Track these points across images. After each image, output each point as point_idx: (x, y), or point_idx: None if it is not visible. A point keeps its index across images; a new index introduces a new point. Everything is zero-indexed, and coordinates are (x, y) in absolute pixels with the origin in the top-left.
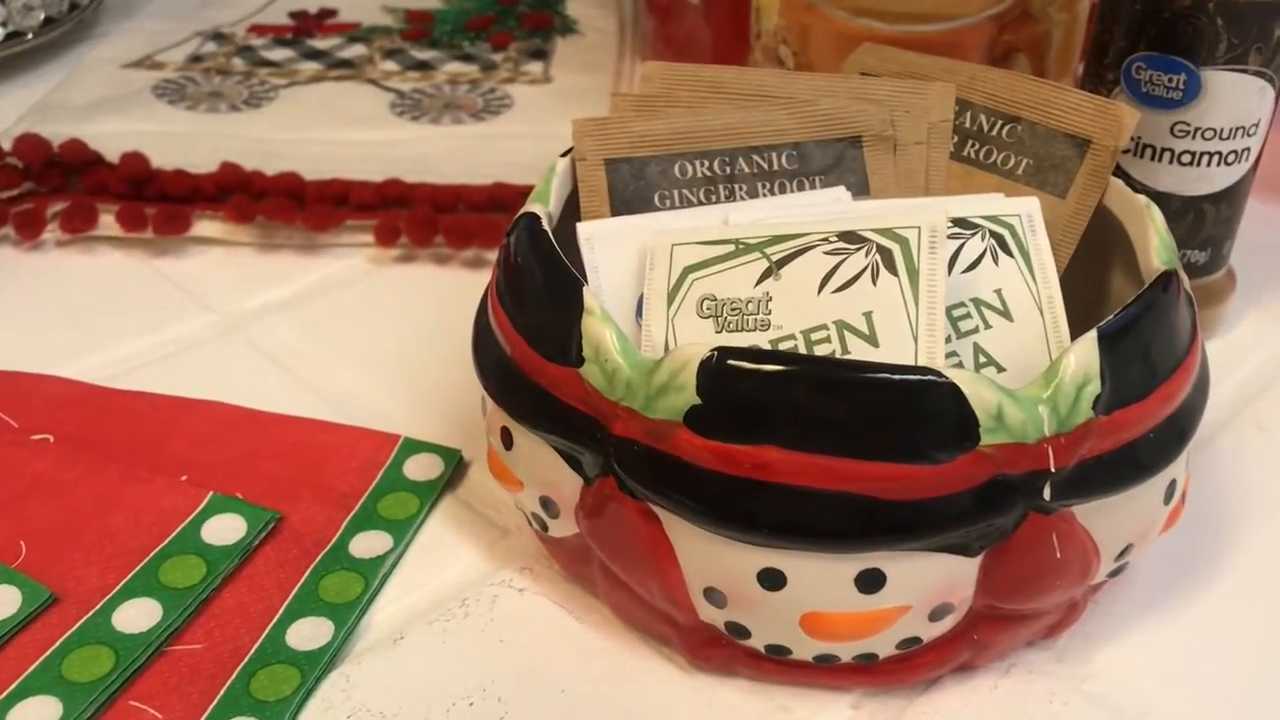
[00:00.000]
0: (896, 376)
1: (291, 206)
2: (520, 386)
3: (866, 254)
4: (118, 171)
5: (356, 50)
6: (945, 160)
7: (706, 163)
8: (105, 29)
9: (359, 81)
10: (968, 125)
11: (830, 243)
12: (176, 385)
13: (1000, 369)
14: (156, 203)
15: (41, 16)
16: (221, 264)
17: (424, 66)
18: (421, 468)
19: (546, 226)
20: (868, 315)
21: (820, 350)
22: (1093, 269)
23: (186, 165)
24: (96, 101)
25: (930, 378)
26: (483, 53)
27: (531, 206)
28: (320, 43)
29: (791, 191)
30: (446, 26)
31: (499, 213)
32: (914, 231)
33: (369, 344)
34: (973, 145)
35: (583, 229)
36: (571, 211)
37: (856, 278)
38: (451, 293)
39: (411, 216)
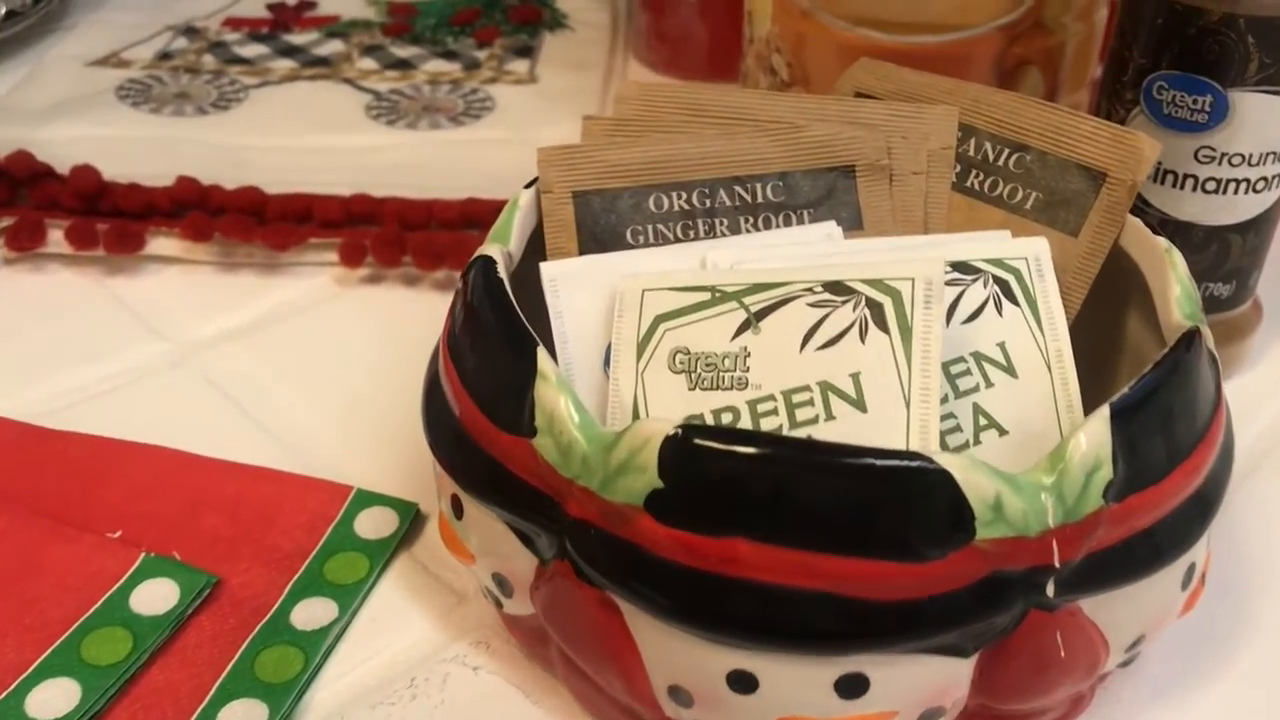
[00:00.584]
0: (881, 462)
1: (251, 224)
2: (469, 453)
3: (854, 307)
4: (68, 185)
5: (334, 47)
6: (946, 192)
7: (684, 195)
8: (73, 20)
9: (334, 81)
10: (971, 153)
11: (814, 294)
12: (121, 423)
13: (1002, 432)
14: (109, 218)
15: (2, 10)
16: (177, 284)
17: (403, 65)
18: (374, 523)
19: (503, 271)
20: (855, 377)
21: (802, 414)
22: (1105, 311)
23: (146, 174)
24: (56, 104)
25: (919, 464)
26: (466, 49)
27: (488, 248)
28: (297, 37)
29: (777, 227)
30: (430, 20)
31: (472, 230)
32: (907, 284)
33: (328, 377)
34: (976, 176)
35: (546, 269)
36: (537, 248)
37: (843, 334)
38: (419, 317)
39: (378, 235)
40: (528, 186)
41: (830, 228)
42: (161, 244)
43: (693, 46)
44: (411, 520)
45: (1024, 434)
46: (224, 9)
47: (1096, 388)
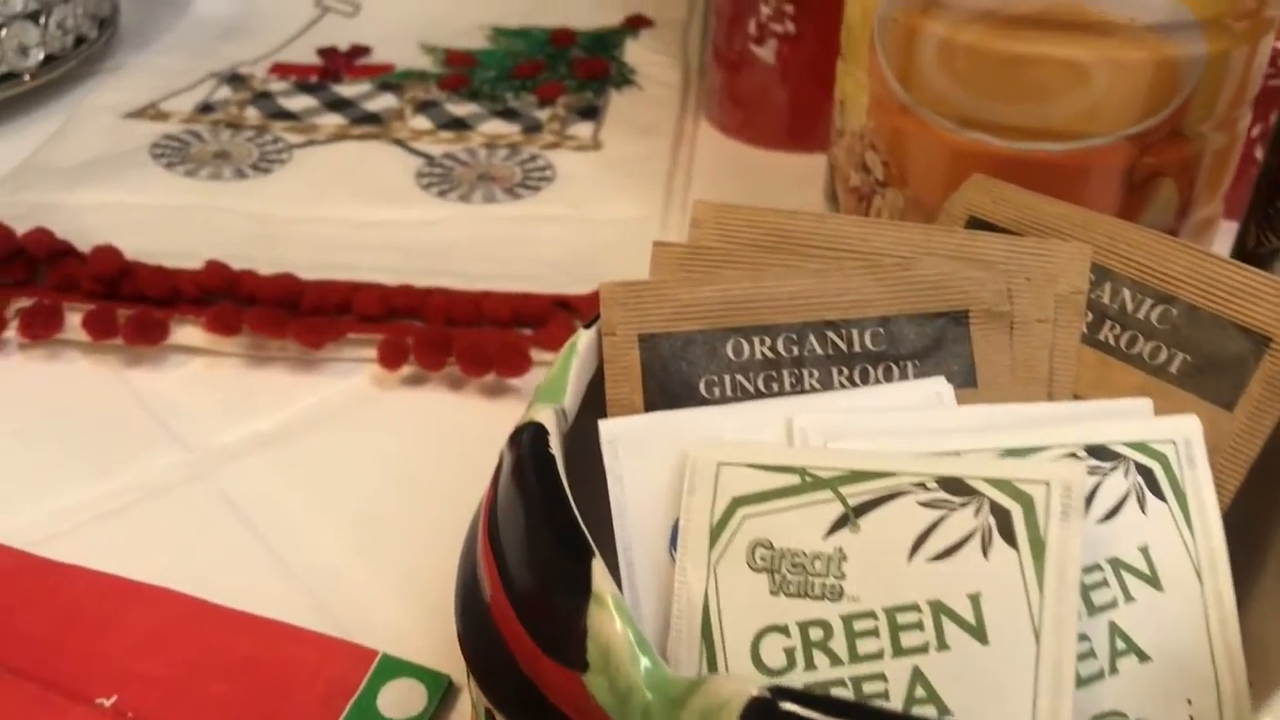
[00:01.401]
0: None
1: (283, 318)
2: (506, 667)
3: (975, 512)
4: (88, 266)
5: (386, 102)
6: (1076, 346)
7: (768, 340)
8: (117, 61)
9: (384, 141)
10: (1106, 301)
11: (927, 490)
12: (129, 548)
13: (1144, 658)
14: (132, 303)
15: (41, 56)
16: (201, 379)
17: (459, 125)
18: (399, 699)
19: (556, 442)
20: (974, 599)
21: (908, 639)
22: (1254, 488)
23: (175, 250)
24: (87, 163)
25: None
26: (527, 107)
27: (539, 411)
28: (347, 89)
29: (876, 380)
30: (490, 72)
31: (524, 329)
32: (1040, 489)
33: (358, 500)
34: (1111, 329)
35: (606, 428)
36: (596, 398)
37: (961, 545)
38: (464, 429)
39: (421, 335)
40: (587, 326)
41: (939, 385)
42: (187, 333)
43: (770, 112)
44: (442, 696)
45: (1168, 659)
46: (272, 52)
47: (1239, 588)
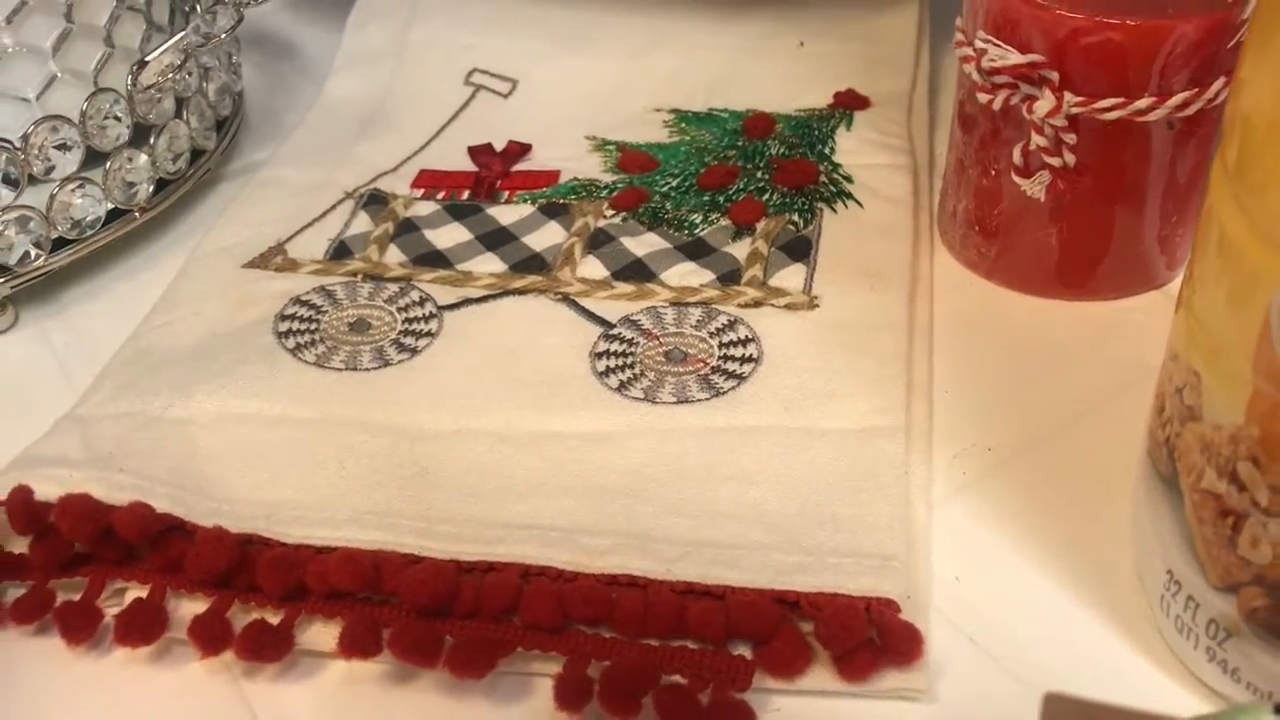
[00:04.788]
0: None
1: (434, 636)
2: None
3: None
4: (195, 556)
5: (550, 235)
6: None
7: None
8: (243, 163)
9: (550, 297)
10: None
11: None
12: None
13: None
14: (249, 594)
15: (151, 188)
16: (335, 702)
17: (639, 271)
18: None
19: None
20: None
21: None
22: None
23: (305, 496)
24: (202, 344)
25: None
26: (720, 237)
27: None
28: (505, 212)
29: None
30: (672, 179)
31: (739, 646)
32: None
33: None
34: None
35: None
36: None
37: None
38: None
39: (611, 668)
40: None
41: None
42: (316, 636)
43: (1034, 252)
44: None
45: None
46: (414, 154)
47: None
